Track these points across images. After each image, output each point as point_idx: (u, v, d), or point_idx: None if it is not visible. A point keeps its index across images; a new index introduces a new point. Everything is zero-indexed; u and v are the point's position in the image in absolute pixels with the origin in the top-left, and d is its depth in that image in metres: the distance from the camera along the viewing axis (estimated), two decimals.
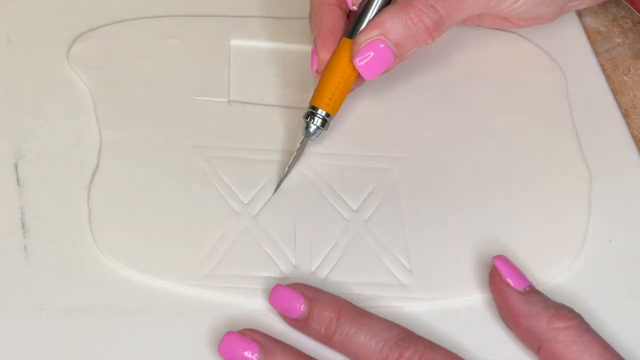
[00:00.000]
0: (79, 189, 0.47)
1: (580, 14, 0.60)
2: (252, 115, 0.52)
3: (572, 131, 0.54)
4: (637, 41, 0.60)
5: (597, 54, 0.58)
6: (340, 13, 0.49)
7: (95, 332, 0.43)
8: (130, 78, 0.52)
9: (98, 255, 0.45)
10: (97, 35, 0.54)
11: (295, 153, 0.49)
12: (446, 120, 0.53)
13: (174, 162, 0.49)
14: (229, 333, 0.42)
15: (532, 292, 0.45)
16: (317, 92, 0.49)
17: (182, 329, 0.44)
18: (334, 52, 0.49)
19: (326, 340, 0.43)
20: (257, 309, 0.45)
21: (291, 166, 0.49)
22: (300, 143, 0.49)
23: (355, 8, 0.49)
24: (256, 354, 0.41)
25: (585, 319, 0.44)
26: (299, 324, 0.43)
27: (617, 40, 0.60)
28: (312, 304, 0.43)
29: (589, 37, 0.59)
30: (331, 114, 0.49)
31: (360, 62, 0.47)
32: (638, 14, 0.59)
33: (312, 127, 0.48)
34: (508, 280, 0.45)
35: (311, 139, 0.49)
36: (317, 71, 0.49)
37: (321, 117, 0.48)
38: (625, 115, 0.56)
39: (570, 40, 0.58)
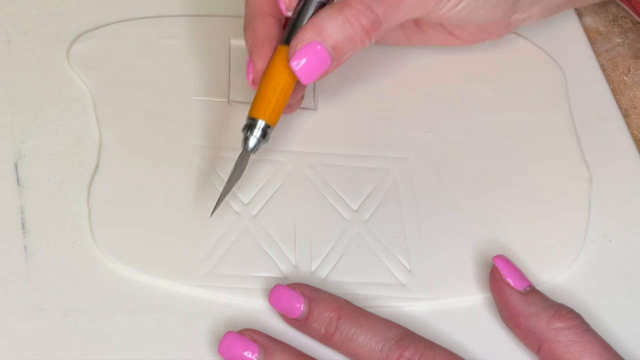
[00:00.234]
0: (79, 189, 0.47)
1: (580, 13, 0.60)
2: None
3: (572, 131, 0.54)
4: (637, 41, 0.60)
5: (597, 53, 0.58)
6: (274, 21, 0.48)
7: (95, 332, 0.43)
8: (130, 78, 0.52)
9: (98, 255, 0.45)
10: (97, 35, 0.54)
11: (234, 168, 0.46)
12: (446, 120, 0.53)
13: (173, 162, 0.49)
14: (228, 333, 0.42)
15: (532, 292, 0.45)
16: (255, 102, 0.46)
17: (182, 329, 0.44)
18: (270, 60, 0.46)
19: (326, 340, 0.43)
20: (257, 309, 0.45)
21: (230, 184, 0.46)
22: (239, 157, 0.46)
23: (289, 14, 0.47)
24: (256, 354, 0.41)
25: (585, 319, 0.44)
26: (299, 323, 0.43)
27: (617, 40, 0.60)
28: (312, 304, 0.43)
29: (589, 37, 0.59)
30: (271, 125, 0.46)
31: (297, 66, 0.45)
32: (638, 17, 0.59)
33: (252, 140, 0.46)
34: (508, 280, 0.45)
35: (252, 153, 0.46)
36: (253, 81, 0.47)
37: (261, 128, 0.46)
38: (625, 115, 0.56)
39: (570, 40, 0.58)
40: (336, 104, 0.53)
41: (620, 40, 0.60)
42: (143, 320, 0.44)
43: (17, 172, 0.48)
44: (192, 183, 0.48)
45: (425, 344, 0.42)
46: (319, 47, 0.45)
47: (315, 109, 0.52)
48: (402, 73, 0.54)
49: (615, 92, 0.57)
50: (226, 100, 0.52)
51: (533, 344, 0.44)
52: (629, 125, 0.55)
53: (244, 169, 0.46)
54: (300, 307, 0.43)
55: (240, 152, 0.46)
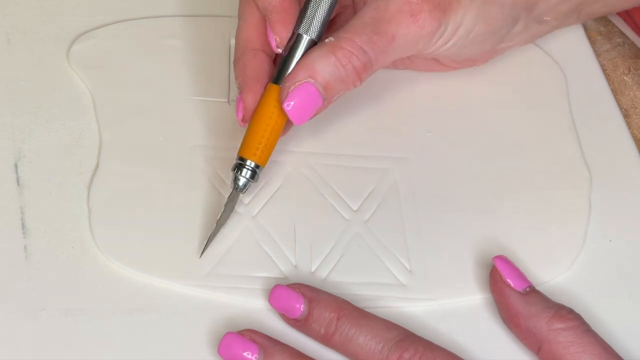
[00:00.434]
0: (79, 189, 0.47)
1: None
2: None
3: (572, 131, 0.54)
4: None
5: (597, 54, 0.58)
6: (265, 57, 0.47)
7: (95, 332, 0.43)
8: (130, 78, 0.52)
9: (98, 255, 0.45)
10: (97, 35, 0.54)
11: (224, 208, 0.46)
12: (446, 120, 0.53)
13: (174, 162, 0.49)
14: (228, 333, 0.42)
15: (532, 292, 0.45)
16: (245, 142, 0.46)
17: (182, 329, 0.44)
18: (261, 99, 0.46)
19: (326, 340, 0.43)
20: (257, 309, 0.45)
21: (220, 223, 0.46)
22: (229, 197, 0.46)
23: (280, 51, 0.47)
24: (255, 355, 0.41)
25: (585, 319, 0.44)
26: (299, 324, 0.43)
27: (617, 40, 0.60)
28: (312, 304, 0.43)
29: (589, 37, 0.59)
30: (261, 165, 0.46)
31: (288, 107, 0.45)
32: (636, 34, 0.59)
33: (242, 180, 0.46)
34: (508, 280, 0.45)
35: (242, 192, 0.46)
36: (243, 119, 0.47)
37: (250, 168, 0.46)
38: (625, 115, 0.56)
39: (571, 40, 0.58)
40: (336, 104, 0.53)
41: (621, 40, 0.60)
42: (143, 320, 0.44)
43: (17, 172, 0.48)
44: (192, 183, 0.48)
45: (425, 345, 0.42)
46: (311, 88, 0.45)
47: None
48: (402, 73, 0.54)
49: (615, 92, 0.57)
50: (226, 100, 0.52)
51: (533, 344, 0.44)
52: (629, 125, 0.55)
53: (233, 207, 0.47)
54: (300, 307, 0.43)
55: (230, 191, 0.46)
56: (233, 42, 0.54)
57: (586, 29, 0.59)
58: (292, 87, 0.45)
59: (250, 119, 0.46)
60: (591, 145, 0.53)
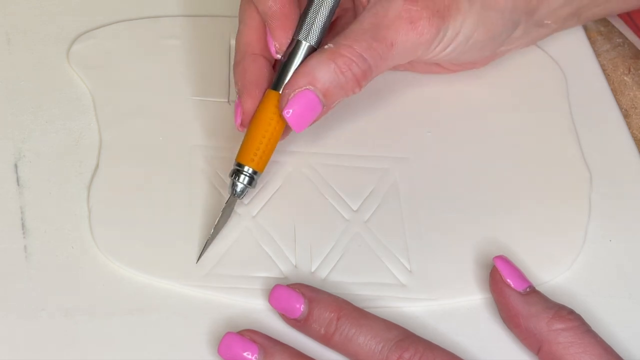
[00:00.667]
0: (79, 189, 0.47)
1: None
2: None
3: (572, 131, 0.54)
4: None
5: (597, 54, 0.58)
6: (265, 63, 0.47)
7: (95, 332, 0.43)
8: (130, 78, 0.52)
9: (98, 255, 0.45)
10: (97, 35, 0.54)
11: (221, 214, 0.46)
12: (446, 120, 0.53)
13: (174, 162, 0.49)
14: (228, 334, 0.42)
15: (532, 292, 0.45)
16: (243, 148, 0.46)
17: (182, 329, 0.44)
18: (259, 105, 0.46)
19: (326, 340, 0.43)
20: (257, 309, 0.45)
21: (218, 229, 0.46)
22: (227, 203, 0.46)
23: (279, 56, 0.47)
24: (255, 355, 0.41)
25: (585, 320, 0.44)
26: (299, 324, 0.43)
27: (617, 40, 0.60)
28: (312, 304, 0.43)
29: (589, 37, 0.59)
30: (259, 171, 0.46)
31: (288, 114, 0.45)
32: (637, 36, 0.59)
33: (239, 186, 0.46)
34: (508, 280, 0.45)
35: (240, 199, 0.46)
36: (241, 125, 0.47)
37: (248, 174, 0.46)
38: (625, 115, 0.56)
39: (571, 40, 0.58)
40: (336, 105, 0.53)
41: (621, 40, 0.60)
42: (143, 320, 0.44)
43: (17, 172, 0.48)
44: (192, 183, 0.48)
45: (425, 345, 0.42)
46: (311, 95, 0.45)
47: None
48: (402, 73, 0.54)
49: (615, 92, 0.57)
50: (226, 100, 0.52)
51: (533, 344, 0.44)
52: (629, 125, 0.55)
53: (230, 213, 0.47)
54: (300, 307, 0.43)
55: (227, 197, 0.46)
56: (233, 42, 0.54)
57: (586, 29, 0.59)
58: (292, 94, 0.45)
59: (249, 125, 0.46)
60: (591, 145, 0.53)
